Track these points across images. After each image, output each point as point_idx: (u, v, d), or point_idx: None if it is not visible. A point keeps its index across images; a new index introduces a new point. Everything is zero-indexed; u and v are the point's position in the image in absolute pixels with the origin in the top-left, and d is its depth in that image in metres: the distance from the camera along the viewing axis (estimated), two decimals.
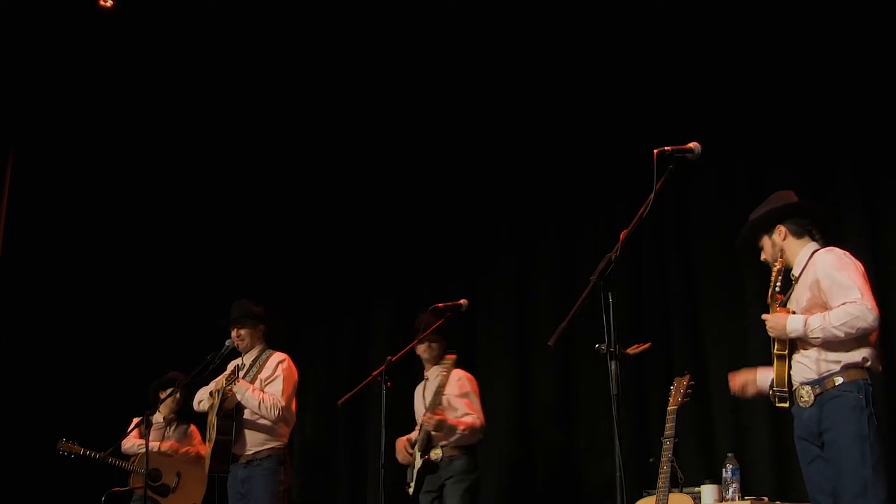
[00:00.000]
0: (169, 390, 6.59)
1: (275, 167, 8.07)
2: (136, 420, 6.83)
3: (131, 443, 6.73)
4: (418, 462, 5.59)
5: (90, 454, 6.52)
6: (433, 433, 5.52)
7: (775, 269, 4.03)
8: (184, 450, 6.65)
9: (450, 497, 5.50)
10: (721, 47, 6.07)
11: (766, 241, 4.26)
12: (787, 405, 4.07)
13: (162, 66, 7.24)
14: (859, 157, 5.53)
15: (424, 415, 5.55)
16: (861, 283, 3.91)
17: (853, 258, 4.06)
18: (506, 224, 7.09)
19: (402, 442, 5.76)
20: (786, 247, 4.19)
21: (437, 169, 7.43)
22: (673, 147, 3.35)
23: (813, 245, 4.17)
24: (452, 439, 5.55)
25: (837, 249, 4.10)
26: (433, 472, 5.55)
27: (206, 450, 5.68)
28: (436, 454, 5.54)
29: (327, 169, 7.95)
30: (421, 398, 5.83)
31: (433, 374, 5.78)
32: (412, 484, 5.65)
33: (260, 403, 5.50)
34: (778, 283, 4.02)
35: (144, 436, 5.54)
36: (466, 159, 7.28)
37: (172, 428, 6.86)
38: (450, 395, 5.66)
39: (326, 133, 7.82)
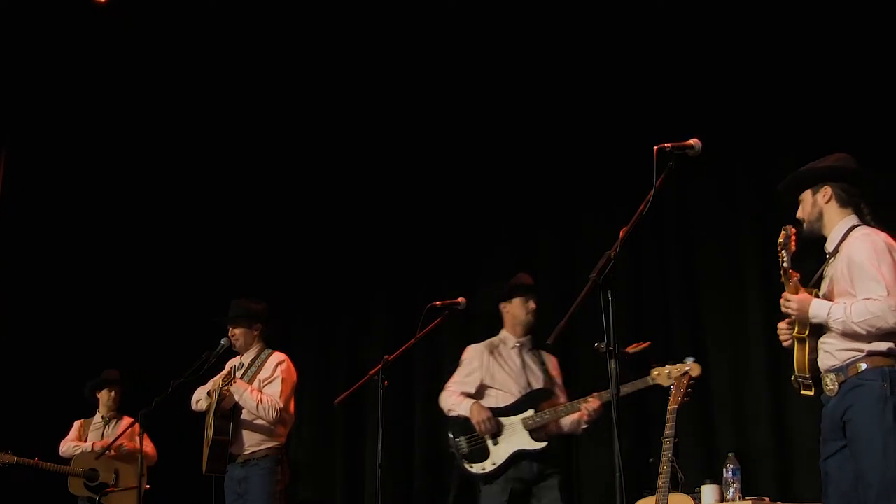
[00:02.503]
0: (107, 390, 6.74)
1: (271, 166, 8.04)
2: (77, 423, 6.86)
3: (67, 445, 6.79)
4: (527, 443, 5.05)
5: (24, 462, 6.52)
6: (563, 419, 5.07)
7: (780, 241, 3.75)
8: (115, 445, 6.51)
9: (557, 493, 5.05)
10: (721, 46, 6.05)
11: (806, 196, 3.94)
12: (811, 393, 3.81)
13: (158, 62, 7.22)
14: (861, 156, 5.49)
15: (592, 395, 4.95)
16: (892, 279, 3.63)
17: (892, 248, 3.73)
18: (504, 222, 7.06)
19: (485, 411, 5.16)
20: (826, 211, 3.88)
21: (434, 167, 7.41)
22: (673, 144, 3.32)
23: (853, 219, 3.85)
24: (581, 428, 5.15)
25: (878, 236, 3.75)
26: (540, 461, 5.06)
27: (204, 450, 5.65)
28: (544, 441, 5.05)
29: (323, 168, 7.93)
30: (520, 369, 5.28)
31: (528, 342, 5.36)
32: (489, 463, 5.07)
33: (258, 404, 5.47)
34: (785, 260, 3.75)
35: (140, 436, 5.50)
36: (464, 157, 7.26)
37: (112, 426, 6.86)
38: (556, 376, 5.29)
39: (324, 131, 7.80)
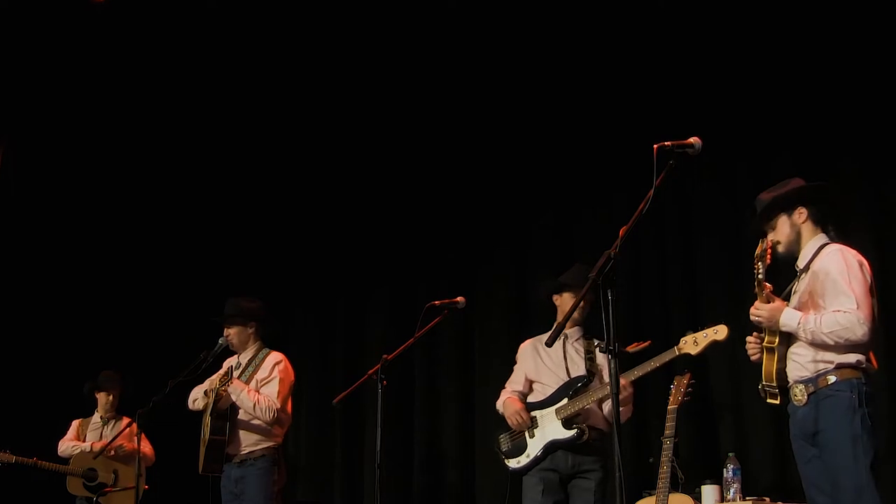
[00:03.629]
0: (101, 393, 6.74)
1: (270, 166, 8.02)
2: (75, 422, 6.85)
3: (66, 445, 6.78)
4: (559, 433, 4.91)
5: (23, 461, 6.50)
6: (589, 406, 4.84)
7: (757, 253, 3.86)
8: (114, 445, 6.50)
9: (598, 495, 4.85)
10: (723, 44, 6.03)
11: (782, 220, 4.05)
12: (777, 402, 3.96)
13: (156, 61, 7.19)
14: (864, 154, 5.48)
15: (622, 381, 4.66)
16: (861, 293, 3.78)
17: (862, 264, 3.89)
18: (502, 220, 7.04)
19: (518, 403, 5.10)
20: (803, 230, 4.03)
21: (433, 166, 7.39)
22: (673, 142, 3.30)
23: (823, 238, 4.01)
24: (624, 419, 4.84)
25: (849, 252, 3.92)
26: (576, 453, 4.90)
27: (201, 449, 5.63)
28: (578, 432, 4.86)
29: (320, 166, 7.92)
30: (560, 360, 5.11)
31: (574, 333, 5.15)
32: (524, 456, 4.97)
33: (255, 405, 5.44)
34: (761, 272, 3.86)
35: (137, 436, 5.48)
36: (462, 157, 7.24)
37: (110, 426, 6.85)
38: (603, 365, 4.98)
39: (321, 131, 7.77)
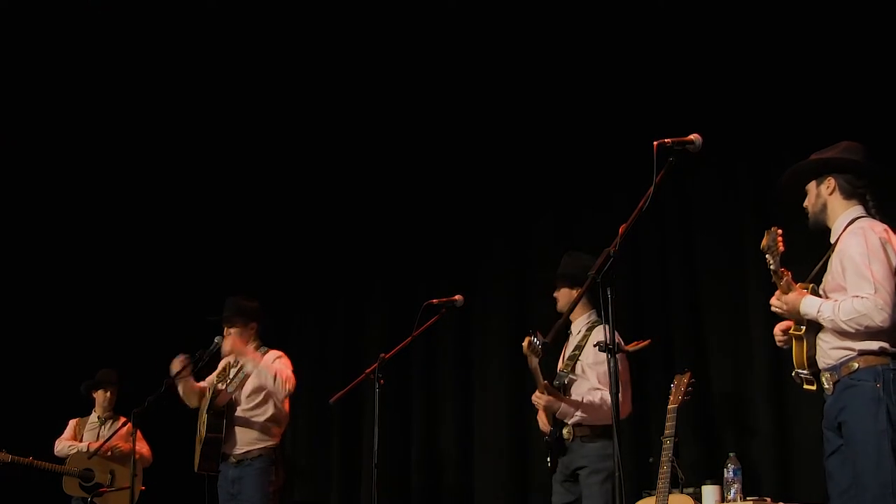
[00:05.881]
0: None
1: (268, 164, 8.00)
2: (72, 422, 6.82)
3: (62, 445, 6.76)
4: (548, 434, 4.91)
5: (19, 461, 6.48)
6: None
7: (763, 245, 3.71)
8: (108, 446, 6.43)
9: (586, 490, 4.73)
10: (723, 39, 6.00)
11: (811, 188, 3.92)
12: (813, 387, 3.80)
13: (154, 59, 7.18)
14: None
15: (537, 390, 4.77)
16: (881, 277, 3.60)
17: (886, 243, 3.68)
18: (502, 218, 7.01)
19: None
20: (829, 203, 3.86)
21: (432, 164, 7.37)
22: (673, 139, 3.29)
23: (858, 210, 3.82)
24: (572, 421, 4.79)
25: (875, 231, 3.71)
26: (563, 454, 4.84)
27: (196, 447, 5.61)
28: (567, 432, 4.80)
29: (321, 165, 7.90)
30: (559, 356, 5.05)
31: (576, 327, 5.02)
32: (549, 461, 4.93)
33: (275, 376, 5.34)
34: (772, 263, 3.71)
35: (132, 435, 5.44)
36: (462, 156, 7.22)
37: (108, 426, 6.84)
38: (585, 362, 4.91)
39: (321, 131, 7.75)
